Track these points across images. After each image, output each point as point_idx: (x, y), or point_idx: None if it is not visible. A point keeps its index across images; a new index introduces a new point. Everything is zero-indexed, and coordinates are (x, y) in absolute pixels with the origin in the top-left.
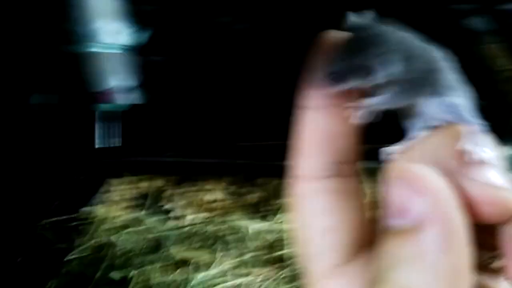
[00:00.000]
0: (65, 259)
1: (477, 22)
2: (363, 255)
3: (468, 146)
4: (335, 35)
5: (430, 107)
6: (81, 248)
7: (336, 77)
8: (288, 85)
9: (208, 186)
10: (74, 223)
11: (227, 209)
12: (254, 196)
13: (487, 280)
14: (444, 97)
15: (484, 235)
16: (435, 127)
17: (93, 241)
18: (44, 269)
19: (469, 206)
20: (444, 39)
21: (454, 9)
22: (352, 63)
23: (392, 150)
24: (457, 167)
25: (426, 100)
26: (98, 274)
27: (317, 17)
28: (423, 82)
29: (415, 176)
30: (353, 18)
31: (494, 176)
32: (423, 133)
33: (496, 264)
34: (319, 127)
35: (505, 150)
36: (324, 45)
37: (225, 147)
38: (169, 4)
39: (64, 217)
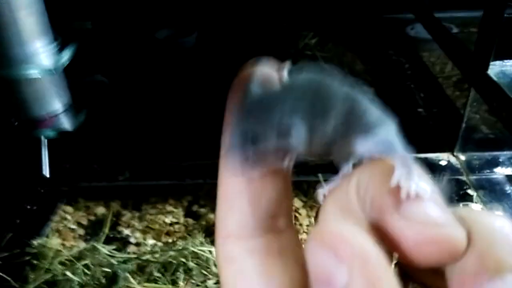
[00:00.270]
0: None
1: (420, 30)
2: None
3: (402, 181)
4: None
5: (359, 146)
6: (36, 284)
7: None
8: None
9: (168, 208)
10: (27, 258)
11: (189, 231)
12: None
13: None
14: (372, 134)
15: (436, 278)
16: (365, 162)
17: (48, 276)
18: None
19: (409, 249)
20: (391, 48)
21: (397, 18)
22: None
23: (324, 190)
24: (391, 205)
25: (354, 140)
26: None
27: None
28: (346, 125)
29: (334, 239)
30: (255, 88)
31: (432, 211)
32: (353, 170)
33: None
34: (240, 183)
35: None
36: (241, 84)
37: (182, 166)
38: (105, 21)
39: (17, 251)
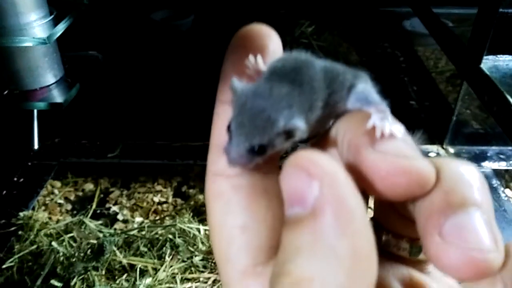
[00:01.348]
0: (3, 267)
1: (416, 25)
2: None
3: (377, 122)
4: (252, 34)
5: (341, 104)
6: (20, 254)
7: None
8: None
9: (157, 187)
10: (13, 228)
11: (177, 211)
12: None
13: (416, 272)
14: (350, 91)
15: (407, 227)
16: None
17: (33, 247)
18: None
19: (381, 181)
20: (386, 41)
21: (394, 12)
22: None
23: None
24: (367, 143)
25: (337, 101)
26: (38, 282)
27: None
28: (331, 93)
29: (306, 161)
30: (236, 84)
31: (404, 147)
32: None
33: (405, 252)
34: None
35: (447, 149)
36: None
37: (173, 146)
38: None
39: (2, 221)
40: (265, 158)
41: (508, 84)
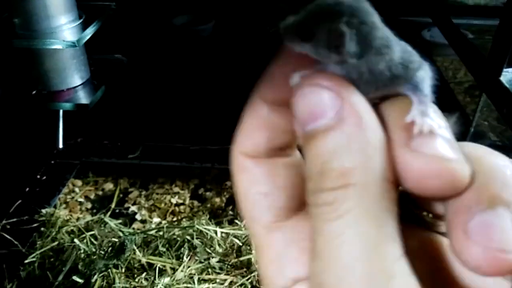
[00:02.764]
0: (26, 262)
1: (436, 35)
2: (299, 213)
3: (417, 117)
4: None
5: (397, 87)
6: (42, 250)
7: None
8: (253, 87)
9: (175, 189)
10: (35, 224)
11: (194, 213)
12: (222, 200)
13: (433, 237)
14: (411, 78)
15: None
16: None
17: (55, 243)
18: (3, 271)
19: (413, 181)
20: None
21: (414, 21)
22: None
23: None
24: (403, 139)
25: (394, 81)
26: (60, 278)
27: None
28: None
29: (320, 80)
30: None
31: (441, 147)
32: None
33: (440, 226)
34: (263, 115)
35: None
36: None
37: (192, 149)
38: (129, 2)
39: (25, 217)
40: (309, 51)
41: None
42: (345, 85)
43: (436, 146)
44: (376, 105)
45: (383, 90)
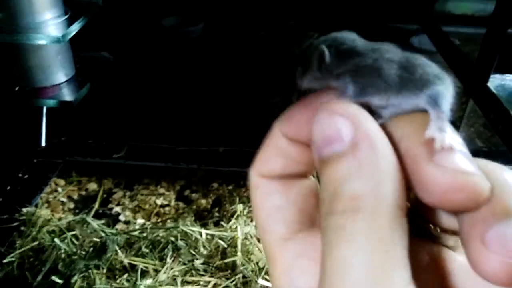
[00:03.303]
0: (4, 261)
1: (424, 41)
2: (310, 229)
3: (436, 133)
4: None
5: (411, 100)
6: (22, 250)
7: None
8: (241, 90)
9: (160, 190)
10: (15, 224)
11: (179, 214)
12: (208, 201)
13: (446, 250)
14: (426, 90)
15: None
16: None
17: (35, 243)
18: None
19: (438, 195)
20: None
21: (402, 28)
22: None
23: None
24: (426, 154)
25: (409, 93)
26: (39, 278)
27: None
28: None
29: (337, 108)
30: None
31: (463, 161)
32: (391, 118)
33: (451, 242)
34: (281, 146)
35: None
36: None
37: (178, 150)
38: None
39: (5, 216)
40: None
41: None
42: (361, 112)
43: (458, 160)
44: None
45: (399, 99)
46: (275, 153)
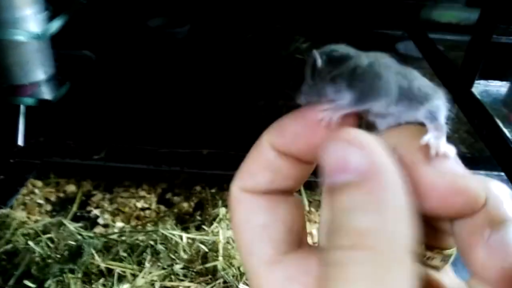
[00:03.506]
0: None
1: (409, 48)
2: (298, 250)
3: (432, 140)
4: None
5: (408, 114)
6: None
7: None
8: (227, 92)
9: (141, 193)
10: None
11: (160, 218)
12: (190, 204)
13: (432, 272)
14: (424, 105)
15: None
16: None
17: (8, 246)
18: None
19: (437, 198)
20: None
21: (388, 34)
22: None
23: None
24: (423, 160)
25: (408, 108)
26: (11, 282)
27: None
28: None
29: (349, 136)
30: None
31: (459, 167)
32: (388, 129)
33: (436, 262)
34: (269, 159)
35: None
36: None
37: (160, 152)
38: None
39: None
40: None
41: (498, 109)
42: (377, 143)
43: (455, 166)
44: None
45: (399, 109)
46: (262, 166)
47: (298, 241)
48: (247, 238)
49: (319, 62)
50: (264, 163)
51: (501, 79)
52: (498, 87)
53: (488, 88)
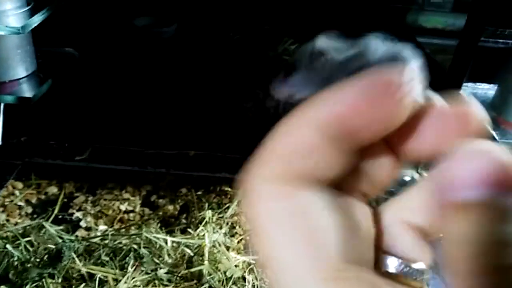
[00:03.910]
0: None
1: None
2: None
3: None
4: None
5: None
6: None
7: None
8: (214, 93)
9: (125, 195)
10: None
11: (144, 221)
12: (175, 207)
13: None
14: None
15: None
16: None
17: None
18: None
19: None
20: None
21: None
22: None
23: None
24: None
25: None
26: None
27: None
28: None
29: (485, 148)
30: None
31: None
32: None
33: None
34: (310, 141)
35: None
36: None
37: (145, 153)
38: None
39: None
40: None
41: (486, 112)
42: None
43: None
44: None
45: None
46: (300, 150)
47: (359, 258)
48: (282, 252)
49: (304, 57)
50: (302, 146)
51: (488, 82)
52: (486, 90)
53: (475, 90)
